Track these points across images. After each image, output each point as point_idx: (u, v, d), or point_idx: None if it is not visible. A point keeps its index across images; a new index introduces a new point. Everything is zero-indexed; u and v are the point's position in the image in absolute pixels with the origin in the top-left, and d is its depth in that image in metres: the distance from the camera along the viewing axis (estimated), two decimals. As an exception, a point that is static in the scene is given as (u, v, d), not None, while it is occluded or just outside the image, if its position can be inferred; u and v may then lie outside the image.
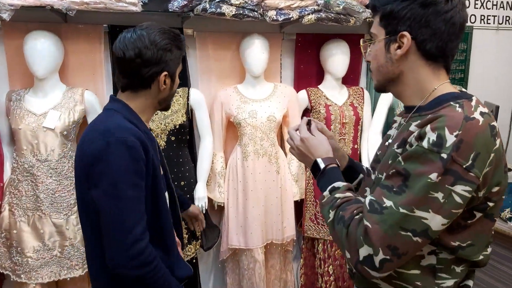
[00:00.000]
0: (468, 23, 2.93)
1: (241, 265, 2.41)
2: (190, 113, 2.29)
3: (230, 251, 2.41)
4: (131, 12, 2.02)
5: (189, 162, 2.30)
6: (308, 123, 1.18)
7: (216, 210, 2.48)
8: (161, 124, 2.15)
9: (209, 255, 2.62)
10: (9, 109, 2.01)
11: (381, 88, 1.08)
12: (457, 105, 0.91)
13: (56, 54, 2.00)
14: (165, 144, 2.17)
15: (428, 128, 0.88)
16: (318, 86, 2.57)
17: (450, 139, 0.85)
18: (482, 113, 0.91)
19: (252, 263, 2.36)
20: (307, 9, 2.27)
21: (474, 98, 0.95)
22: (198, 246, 2.35)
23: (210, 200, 2.38)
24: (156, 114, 2.16)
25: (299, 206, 2.58)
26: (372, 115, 2.64)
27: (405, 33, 0.96)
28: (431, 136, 0.86)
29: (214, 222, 2.49)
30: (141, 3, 2.03)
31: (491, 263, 2.06)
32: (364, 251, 0.89)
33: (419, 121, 0.93)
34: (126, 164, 1.14)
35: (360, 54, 2.73)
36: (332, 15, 2.30)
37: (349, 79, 2.71)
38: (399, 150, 0.96)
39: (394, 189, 0.90)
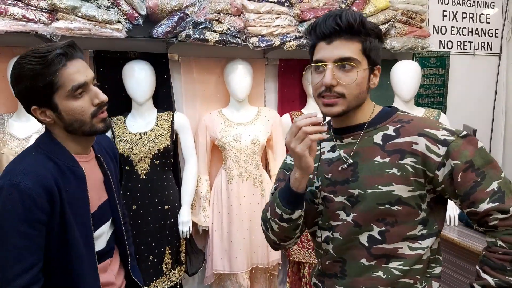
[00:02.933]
0: (446, 49, 3.05)
1: (226, 290, 2.38)
2: (174, 137, 2.30)
3: (215, 276, 2.39)
4: (116, 38, 2.06)
5: (173, 186, 2.30)
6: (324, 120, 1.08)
7: (200, 234, 2.46)
8: (145, 148, 2.15)
9: (194, 280, 2.58)
10: (-9, 134, 2.00)
11: (345, 113, 1.08)
12: (405, 112, 1.14)
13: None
14: (149, 167, 2.17)
15: (432, 131, 1.04)
16: (301, 110, 2.61)
17: (448, 127, 1.06)
18: None
19: (237, 287, 2.33)
20: (288, 35, 2.33)
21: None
22: (182, 272, 2.32)
23: (194, 224, 2.37)
24: (140, 138, 2.17)
25: (284, 229, 2.57)
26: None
27: (379, 66, 1.11)
28: (443, 132, 1.03)
29: (199, 246, 2.46)
30: (125, 29, 2.07)
31: (455, 276, 2.13)
32: None
33: (383, 133, 1.09)
34: (15, 211, 1.05)
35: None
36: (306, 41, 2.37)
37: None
38: (387, 160, 1.06)
39: (479, 179, 1.01)
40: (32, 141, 1.94)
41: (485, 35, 3.21)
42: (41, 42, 2.10)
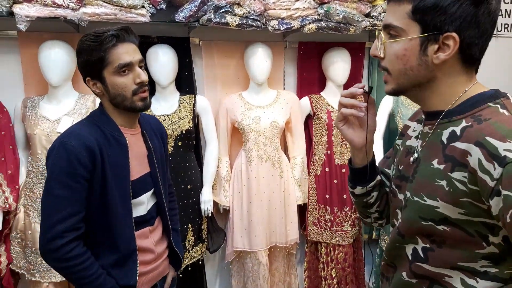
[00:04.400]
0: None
1: (245, 267, 2.47)
2: (196, 119, 2.37)
3: (235, 254, 2.48)
4: (140, 23, 2.12)
5: (196, 166, 2.38)
6: (368, 91, 1.00)
7: (221, 213, 2.55)
8: (168, 129, 2.24)
9: (215, 258, 2.68)
10: (25, 115, 2.11)
11: (399, 92, 0.91)
12: (498, 106, 0.81)
13: (69, 63, 2.09)
14: (172, 148, 2.26)
15: (494, 141, 0.74)
16: (320, 93, 2.64)
17: None
18: None
19: (256, 265, 2.42)
20: (308, 18, 2.36)
21: (506, 93, 0.85)
22: (204, 249, 2.42)
23: (215, 204, 2.45)
24: (164, 120, 2.25)
25: (302, 210, 2.64)
26: (374, 121, 2.70)
27: (454, 34, 0.80)
28: (509, 146, 0.73)
29: (220, 225, 2.56)
30: (149, 14, 2.14)
31: None
32: None
33: (452, 129, 0.84)
34: (61, 165, 1.23)
35: (361, 61, 2.81)
36: (332, 24, 2.39)
37: (351, 86, 2.77)
38: (442, 168, 0.83)
39: None
40: (62, 122, 2.05)
41: (509, 16, 3.15)
42: (69, 27, 2.19)
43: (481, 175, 0.75)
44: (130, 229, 1.35)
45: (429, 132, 0.90)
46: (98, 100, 2.18)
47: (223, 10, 2.21)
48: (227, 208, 2.48)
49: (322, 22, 2.38)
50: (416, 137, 0.97)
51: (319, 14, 2.37)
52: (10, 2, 1.97)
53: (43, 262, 2.02)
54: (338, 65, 2.55)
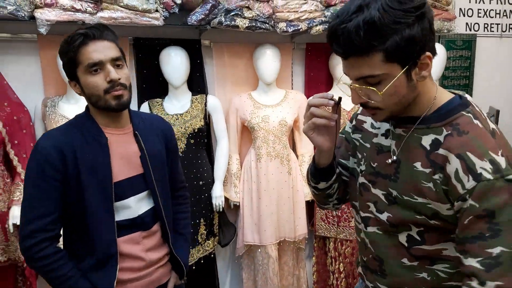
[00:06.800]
0: (472, 31, 3.06)
1: (255, 260, 2.55)
2: (207, 118, 2.46)
3: (246, 248, 2.56)
4: (154, 26, 2.22)
5: (207, 163, 2.47)
6: (338, 102, 1.02)
7: (232, 209, 2.63)
8: (181, 128, 2.33)
9: (226, 252, 2.77)
10: (45, 115, 2.21)
11: (391, 118, 0.97)
12: (470, 115, 0.91)
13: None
14: (185, 146, 2.35)
15: (473, 159, 0.85)
16: (328, 92, 2.70)
17: (501, 160, 0.85)
18: (489, 118, 0.95)
19: (266, 258, 2.50)
20: (315, 20, 2.44)
21: (470, 100, 0.96)
22: (215, 243, 2.51)
23: (226, 200, 2.54)
24: (177, 119, 2.34)
25: (310, 206, 2.71)
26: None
27: (428, 53, 0.87)
28: (485, 165, 0.84)
29: (231, 220, 2.64)
30: (163, 17, 2.23)
31: None
32: None
33: (435, 137, 0.91)
34: (31, 167, 1.25)
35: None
36: (339, 25, 2.46)
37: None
38: (427, 171, 0.92)
39: (487, 235, 0.83)
40: None
41: (514, 17, 3.20)
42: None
43: (454, 182, 0.87)
44: (111, 233, 1.29)
45: (404, 134, 0.98)
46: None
47: (233, 13, 2.30)
48: (238, 204, 2.57)
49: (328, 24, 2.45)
50: (385, 136, 1.04)
51: (325, 16, 2.45)
52: (32, 7, 2.07)
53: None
54: (340, 67, 2.62)
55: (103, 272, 1.29)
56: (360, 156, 1.11)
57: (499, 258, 0.83)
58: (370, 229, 1.07)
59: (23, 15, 2.04)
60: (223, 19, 2.28)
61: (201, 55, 2.55)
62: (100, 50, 1.24)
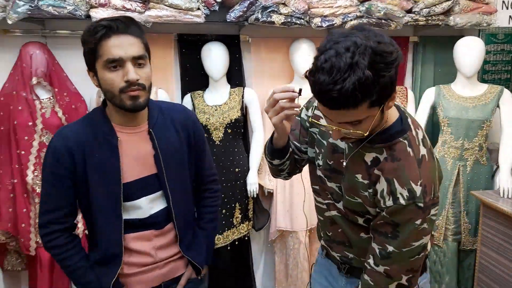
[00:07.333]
0: (514, 25, 2.99)
1: (287, 245, 2.68)
2: (244, 110, 2.61)
3: (278, 233, 2.70)
4: (196, 23, 2.39)
5: (243, 152, 2.62)
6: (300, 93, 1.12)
7: (266, 196, 2.77)
8: (219, 118, 2.49)
9: (260, 237, 2.93)
10: (99, 104, 2.42)
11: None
12: (406, 142, 1.06)
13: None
14: (222, 135, 2.52)
15: (397, 185, 1.04)
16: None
17: (418, 189, 1.03)
18: (423, 142, 1.08)
19: (297, 244, 2.63)
20: (349, 15, 2.51)
21: (410, 123, 1.10)
22: (250, 227, 2.67)
23: (261, 187, 2.68)
24: (215, 110, 2.51)
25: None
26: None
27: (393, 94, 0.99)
28: (403, 192, 1.03)
29: (265, 206, 2.79)
30: (204, 15, 2.40)
31: (499, 242, 2.24)
32: (393, 286, 1.10)
33: (376, 155, 1.08)
34: (45, 164, 1.27)
35: (405, 55, 2.90)
36: (374, 20, 2.52)
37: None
38: (365, 182, 1.10)
39: (389, 235, 1.06)
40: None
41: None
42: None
43: (379, 197, 1.09)
44: (117, 233, 1.29)
45: (353, 147, 1.13)
46: (160, 92, 2.48)
47: (269, 9, 2.41)
48: (271, 191, 2.70)
49: (363, 19, 2.51)
50: (345, 146, 1.16)
51: (360, 11, 2.51)
52: (87, 6, 2.30)
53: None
54: (380, 59, 2.67)
55: (105, 269, 1.31)
56: (318, 150, 1.26)
57: (390, 253, 1.07)
58: (332, 212, 1.25)
59: (80, 14, 2.27)
60: (259, 15, 2.41)
61: (240, 49, 2.69)
62: (122, 46, 1.16)
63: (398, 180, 1.05)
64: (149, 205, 1.32)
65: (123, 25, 1.18)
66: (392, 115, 1.10)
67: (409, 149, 1.07)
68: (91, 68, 1.23)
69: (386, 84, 0.92)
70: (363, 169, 1.11)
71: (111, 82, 1.18)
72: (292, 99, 1.10)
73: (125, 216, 1.30)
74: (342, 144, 1.17)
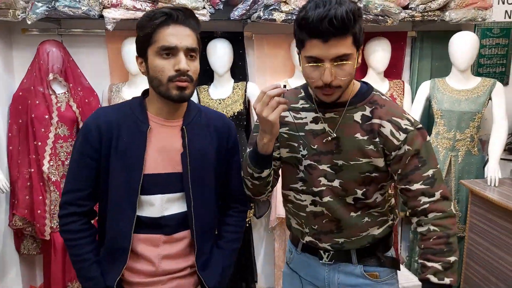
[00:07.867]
0: (508, 19, 3.07)
1: (287, 232, 2.82)
2: (247, 103, 2.75)
3: (278, 220, 2.83)
4: (201, 21, 2.51)
5: (245, 143, 2.75)
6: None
7: (268, 185, 2.91)
8: (223, 111, 2.63)
9: (261, 223, 3.07)
10: (110, 98, 2.62)
11: (327, 103, 1.20)
12: (378, 93, 1.26)
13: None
14: (226, 127, 2.66)
15: (398, 120, 1.19)
16: (362, 79, 2.87)
17: (409, 117, 1.23)
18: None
19: (297, 230, 2.77)
20: (347, 13, 2.62)
21: (369, 83, 1.30)
22: (251, 214, 2.81)
23: (263, 176, 2.82)
24: (219, 103, 2.65)
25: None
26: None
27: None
28: (405, 122, 1.20)
29: (267, 195, 2.93)
30: (209, 13, 2.54)
31: (486, 229, 2.36)
32: (452, 208, 1.22)
33: (362, 113, 1.21)
34: (76, 142, 1.26)
35: (403, 50, 3.01)
36: (371, 16, 2.63)
37: (392, 73, 2.99)
38: (366, 138, 1.21)
39: (420, 165, 1.19)
40: None
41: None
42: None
43: (391, 138, 1.20)
44: (128, 225, 1.22)
45: (337, 116, 1.23)
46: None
47: (271, 8, 2.54)
48: (273, 180, 2.84)
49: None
50: (314, 122, 1.26)
51: (359, 8, 2.62)
52: (100, 7, 2.46)
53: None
54: (378, 54, 2.78)
55: (111, 265, 1.25)
56: (296, 144, 1.29)
57: (433, 175, 1.20)
58: (325, 199, 1.28)
59: (94, 14, 2.42)
60: (261, 13, 2.54)
61: (244, 46, 2.83)
62: (179, 35, 1.17)
63: (395, 116, 1.20)
64: (164, 204, 1.25)
65: (183, 15, 1.18)
66: (356, 83, 1.28)
67: (384, 97, 1.26)
68: (142, 54, 1.22)
69: (361, 27, 1.11)
70: (358, 128, 1.22)
71: (162, 69, 1.18)
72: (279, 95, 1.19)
73: (138, 211, 1.23)
74: (319, 126, 1.26)
